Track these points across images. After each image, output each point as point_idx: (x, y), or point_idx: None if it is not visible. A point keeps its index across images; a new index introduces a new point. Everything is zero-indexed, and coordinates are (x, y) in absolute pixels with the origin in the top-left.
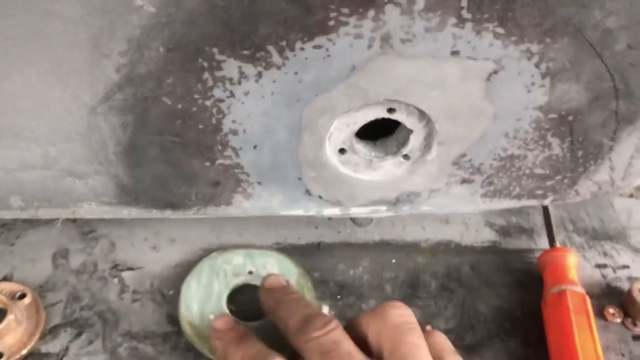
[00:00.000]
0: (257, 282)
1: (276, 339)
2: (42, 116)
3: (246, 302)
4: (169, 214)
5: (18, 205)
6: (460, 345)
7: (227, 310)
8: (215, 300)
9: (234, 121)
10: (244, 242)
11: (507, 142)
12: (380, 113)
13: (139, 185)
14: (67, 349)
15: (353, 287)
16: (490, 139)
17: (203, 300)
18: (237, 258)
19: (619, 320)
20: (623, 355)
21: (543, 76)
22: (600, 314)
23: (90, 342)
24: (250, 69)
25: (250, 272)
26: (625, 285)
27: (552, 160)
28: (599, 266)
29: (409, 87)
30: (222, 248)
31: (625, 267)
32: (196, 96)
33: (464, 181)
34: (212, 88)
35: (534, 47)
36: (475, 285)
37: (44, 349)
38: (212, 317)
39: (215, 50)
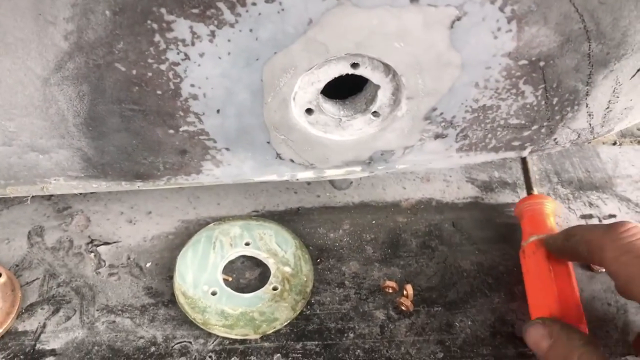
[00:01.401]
0: (253, 254)
1: (272, 309)
2: None
3: (242, 273)
4: (139, 185)
5: None
6: (442, 302)
7: (222, 281)
8: (210, 271)
9: (192, 85)
10: (222, 212)
11: (478, 93)
12: (344, 69)
13: (105, 157)
14: (44, 326)
15: (333, 250)
16: (460, 90)
17: (198, 270)
18: (235, 229)
19: (604, 270)
20: (609, 304)
21: (509, 20)
22: (585, 264)
23: (68, 318)
24: (202, 29)
25: (247, 244)
26: None
27: (527, 109)
28: (585, 217)
29: (370, 40)
30: (201, 219)
31: (612, 216)
32: (150, 60)
33: (438, 136)
34: (165, 51)
35: None
36: (456, 242)
37: (20, 327)
38: (206, 287)
39: (163, 10)
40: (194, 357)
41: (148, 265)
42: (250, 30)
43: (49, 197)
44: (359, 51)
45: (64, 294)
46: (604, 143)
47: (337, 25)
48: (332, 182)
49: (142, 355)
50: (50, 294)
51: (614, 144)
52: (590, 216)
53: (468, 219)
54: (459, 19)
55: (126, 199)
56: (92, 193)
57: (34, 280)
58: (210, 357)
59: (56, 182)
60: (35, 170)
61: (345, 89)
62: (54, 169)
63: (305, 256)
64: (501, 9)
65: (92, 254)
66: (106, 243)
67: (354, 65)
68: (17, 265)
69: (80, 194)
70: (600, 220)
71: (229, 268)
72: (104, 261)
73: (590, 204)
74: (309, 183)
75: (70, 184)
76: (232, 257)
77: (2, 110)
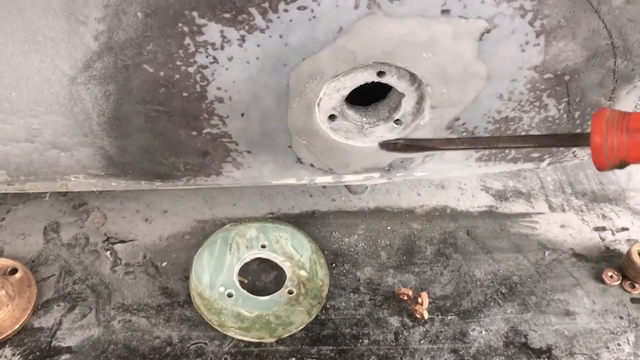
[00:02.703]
0: (270, 257)
1: (288, 313)
2: (21, 87)
3: (258, 275)
4: (158, 185)
5: (4, 180)
6: (457, 311)
7: (238, 283)
8: (226, 272)
9: (219, 88)
10: (238, 213)
11: (502, 104)
12: (370, 77)
13: (126, 156)
14: (60, 323)
15: (348, 255)
16: (484, 101)
17: (214, 272)
18: (251, 231)
19: (617, 283)
20: (622, 318)
21: (537, 34)
22: (598, 277)
23: (84, 316)
24: (232, 33)
25: (263, 246)
26: (624, 248)
27: (549, 122)
28: (598, 229)
29: (398, 49)
30: (217, 219)
31: (625, 229)
32: (178, 63)
33: None
34: (194, 54)
35: (528, 4)
36: (471, 250)
37: (37, 323)
38: (222, 289)
39: (195, 14)
40: (209, 358)
41: (164, 264)
42: (280, 36)
43: (65, 193)
44: (386, 60)
45: (80, 291)
46: None
47: (367, 33)
48: (347, 187)
49: (157, 356)
50: (66, 291)
51: None
52: (604, 228)
53: (482, 227)
54: (488, 31)
55: (142, 197)
56: (108, 190)
57: (49, 277)
58: (225, 359)
59: (76, 180)
60: (56, 167)
61: (367, 96)
62: (75, 166)
63: (320, 260)
64: (531, 23)
65: (108, 252)
66: (122, 241)
67: (380, 74)
68: (32, 261)
69: (97, 190)
70: (613, 233)
71: (244, 270)
72: (120, 259)
73: (604, 217)
74: (324, 187)
75: (90, 181)
76: (248, 259)
77: (27, 107)
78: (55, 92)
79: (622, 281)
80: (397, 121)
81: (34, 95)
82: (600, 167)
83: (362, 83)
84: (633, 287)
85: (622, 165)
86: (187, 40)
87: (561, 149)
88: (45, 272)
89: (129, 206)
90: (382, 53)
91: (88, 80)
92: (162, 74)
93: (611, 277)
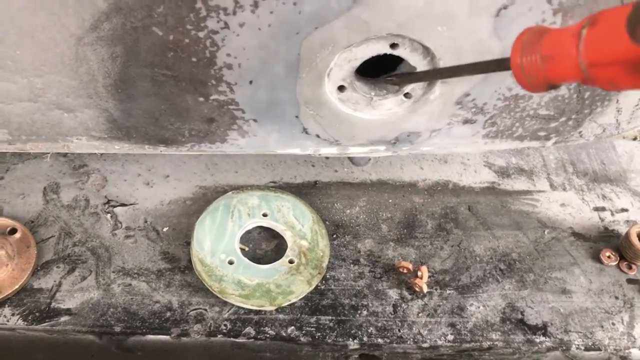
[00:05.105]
0: (271, 225)
1: (289, 282)
2: (26, 45)
3: (259, 244)
4: (162, 150)
5: (5, 139)
6: (455, 285)
7: (239, 251)
8: (228, 240)
9: (228, 54)
10: (239, 180)
11: (512, 82)
12: (383, 48)
13: (131, 120)
14: (59, 284)
15: (349, 226)
16: (495, 78)
17: (216, 239)
18: (253, 199)
19: (614, 263)
20: (617, 298)
21: (555, 12)
22: (596, 257)
23: (84, 278)
24: None
25: (265, 215)
26: (622, 229)
27: (558, 101)
28: (598, 209)
29: (413, 21)
30: (219, 186)
31: (624, 210)
32: (189, 27)
33: (467, 121)
34: (205, 18)
35: None
36: (471, 226)
37: (36, 284)
38: (223, 256)
39: None
40: (209, 324)
41: (165, 229)
42: (294, 4)
43: (65, 154)
44: (400, 32)
45: (79, 253)
46: (624, 137)
47: (382, 4)
48: (350, 158)
49: (157, 320)
50: (66, 253)
51: (635, 139)
52: (603, 209)
53: (484, 203)
54: (505, 7)
55: (143, 160)
56: (109, 153)
57: (49, 238)
58: (225, 325)
59: (78, 141)
60: (59, 128)
61: (377, 68)
62: (78, 128)
63: (322, 231)
64: (549, 1)
65: (109, 215)
66: (123, 204)
67: (393, 46)
68: (32, 222)
69: (98, 153)
70: (612, 214)
71: (245, 238)
72: (121, 223)
73: (604, 197)
74: (327, 157)
75: (93, 143)
76: (250, 227)
77: (31, 66)
78: (60, 51)
79: (619, 262)
80: (406, 94)
81: (38, 54)
82: (526, 89)
83: (374, 54)
84: (630, 268)
85: (553, 86)
86: (199, 4)
87: (567, 128)
88: (44, 233)
89: (130, 169)
90: (397, 25)
91: (95, 41)
92: (171, 37)
93: (609, 257)
